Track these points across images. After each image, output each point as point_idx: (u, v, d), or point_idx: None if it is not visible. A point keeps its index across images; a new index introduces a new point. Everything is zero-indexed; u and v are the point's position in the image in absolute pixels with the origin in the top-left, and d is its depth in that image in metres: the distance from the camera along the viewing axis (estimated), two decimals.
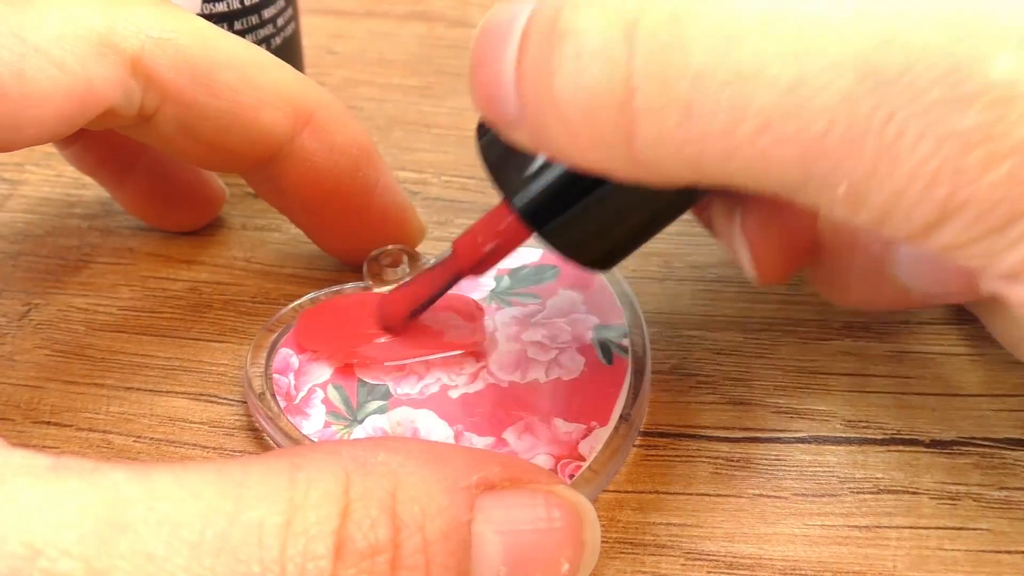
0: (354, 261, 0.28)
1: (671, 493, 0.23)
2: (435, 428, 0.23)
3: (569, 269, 0.27)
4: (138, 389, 0.25)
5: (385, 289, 0.26)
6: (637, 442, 0.24)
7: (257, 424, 0.24)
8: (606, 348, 0.25)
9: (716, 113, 0.15)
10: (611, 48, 0.16)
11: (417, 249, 0.27)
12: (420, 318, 0.25)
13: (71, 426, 0.25)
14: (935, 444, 0.24)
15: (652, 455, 0.24)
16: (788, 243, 0.21)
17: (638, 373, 0.24)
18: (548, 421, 0.23)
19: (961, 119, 0.14)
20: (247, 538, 0.15)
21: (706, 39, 0.15)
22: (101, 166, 0.29)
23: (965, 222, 0.15)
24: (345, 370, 0.25)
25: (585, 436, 0.23)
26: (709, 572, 0.22)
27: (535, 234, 0.21)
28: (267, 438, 0.24)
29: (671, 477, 0.23)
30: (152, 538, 0.15)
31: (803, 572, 0.21)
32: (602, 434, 0.23)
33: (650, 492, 0.23)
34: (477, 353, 0.25)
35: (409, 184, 0.32)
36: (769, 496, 0.23)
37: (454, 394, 0.24)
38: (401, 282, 0.26)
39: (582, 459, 0.23)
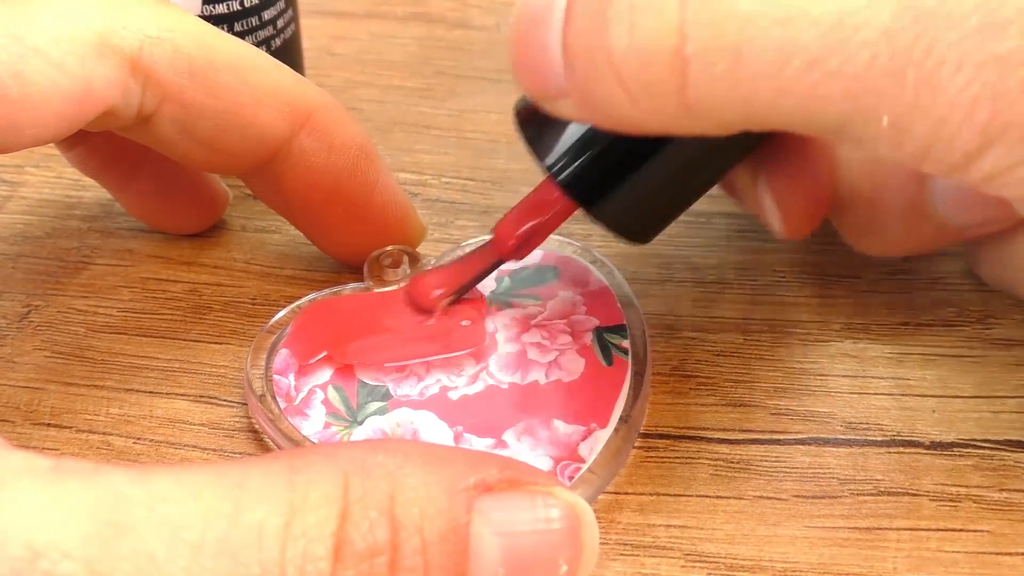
0: (354, 262, 0.28)
1: (671, 495, 0.23)
2: (435, 429, 0.23)
3: (570, 270, 0.27)
4: (138, 391, 0.25)
5: (384, 290, 0.26)
6: (637, 444, 0.24)
7: (257, 426, 0.24)
8: (606, 349, 0.25)
9: (764, 54, 0.16)
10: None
11: (418, 250, 0.27)
12: (421, 318, 0.25)
13: (71, 428, 0.25)
14: (935, 446, 0.24)
15: (652, 457, 0.24)
16: (811, 195, 0.23)
17: (638, 375, 0.24)
18: (548, 423, 0.23)
19: (999, 44, 0.15)
20: (247, 540, 0.15)
21: None
22: (105, 169, 0.29)
23: (1006, 147, 0.15)
24: (345, 371, 0.25)
25: (585, 438, 0.23)
26: (709, 574, 0.22)
27: (581, 209, 0.21)
28: (267, 440, 0.24)
29: (671, 479, 0.23)
30: (153, 539, 0.15)
31: (803, 574, 0.21)
32: (602, 436, 0.23)
33: (650, 494, 0.23)
34: (477, 354, 0.25)
35: (409, 185, 0.32)
36: (769, 498, 0.23)
37: (454, 395, 0.24)
38: (433, 265, 0.26)
39: (582, 461, 0.23)
